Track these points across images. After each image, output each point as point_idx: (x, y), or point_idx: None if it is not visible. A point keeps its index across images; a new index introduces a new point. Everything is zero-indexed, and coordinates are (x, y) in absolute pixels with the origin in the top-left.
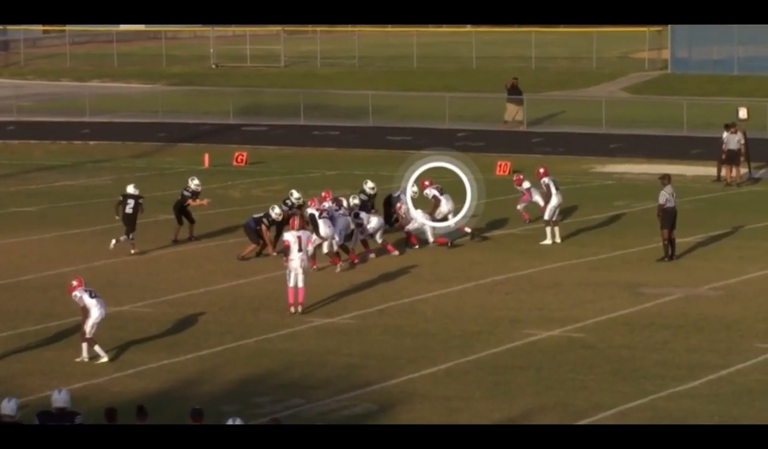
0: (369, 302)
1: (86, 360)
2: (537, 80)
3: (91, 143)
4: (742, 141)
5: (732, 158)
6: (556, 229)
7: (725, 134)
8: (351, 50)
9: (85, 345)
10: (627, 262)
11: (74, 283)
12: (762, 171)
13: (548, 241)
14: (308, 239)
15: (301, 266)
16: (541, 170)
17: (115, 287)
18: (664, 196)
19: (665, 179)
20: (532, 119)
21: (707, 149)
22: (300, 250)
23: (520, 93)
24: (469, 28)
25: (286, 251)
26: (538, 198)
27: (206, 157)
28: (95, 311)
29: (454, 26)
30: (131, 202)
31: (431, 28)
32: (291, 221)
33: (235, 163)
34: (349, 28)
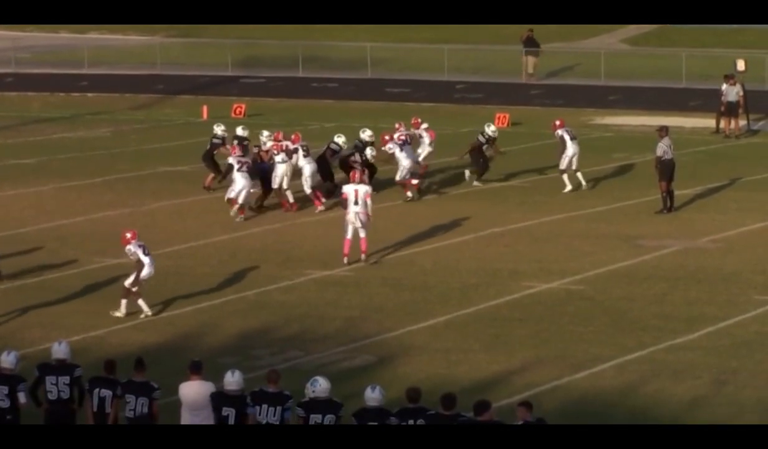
0: (368, 255)
1: (123, 315)
2: (536, 32)
3: (90, 95)
4: (741, 93)
5: (731, 110)
6: (579, 174)
7: (724, 86)
8: None
9: (125, 301)
10: (626, 214)
11: (128, 235)
12: (761, 123)
13: (569, 188)
14: (366, 194)
15: (358, 218)
16: (557, 122)
17: (113, 239)
18: (662, 148)
19: (663, 131)
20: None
21: (706, 101)
22: (356, 203)
23: (537, 45)
24: None
25: (343, 203)
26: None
27: (205, 109)
28: (147, 268)
29: None
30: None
31: None
32: (351, 174)
33: (233, 115)
34: None
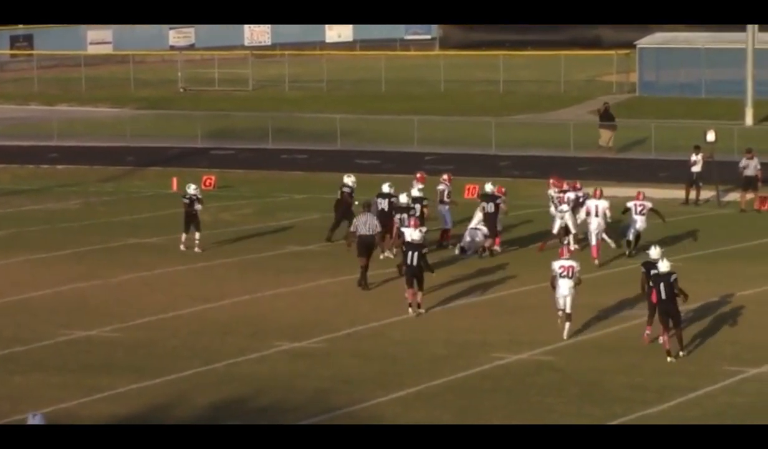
0: (337, 326)
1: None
2: (505, 103)
3: (59, 167)
4: (759, 167)
5: (749, 184)
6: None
7: (743, 160)
8: (319, 73)
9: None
10: (595, 285)
11: None
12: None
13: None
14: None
15: None
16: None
17: (82, 311)
18: (354, 224)
19: (366, 207)
20: (500, 142)
21: (675, 172)
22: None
23: (612, 118)
24: (437, 51)
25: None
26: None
27: (174, 181)
28: None
29: (421, 49)
30: None
31: (399, 52)
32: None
33: (203, 187)
34: (317, 51)
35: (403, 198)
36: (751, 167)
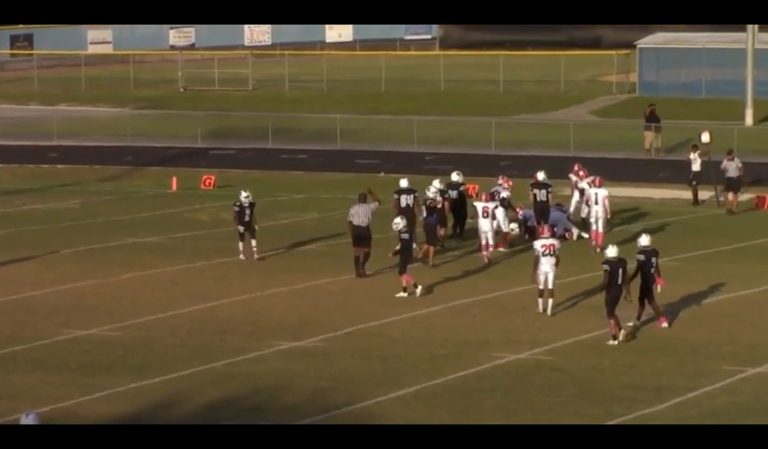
0: (337, 326)
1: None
2: (505, 103)
3: (59, 166)
4: (740, 165)
5: (731, 185)
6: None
7: (723, 162)
8: (319, 73)
9: None
10: (593, 284)
11: None
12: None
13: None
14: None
15: None
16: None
17: (81, 310)
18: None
19: (361, 198)
20: (499, 142)
21: (675, 172)
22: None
23: (658, 120)
24: (437, 51)
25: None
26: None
27: (174, 180)
28: None
29: (422, 49)
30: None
31: (399, 52)
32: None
33: (203, 186)
34: (317, 51)
35: (430, 193)
36: (732, 168)
